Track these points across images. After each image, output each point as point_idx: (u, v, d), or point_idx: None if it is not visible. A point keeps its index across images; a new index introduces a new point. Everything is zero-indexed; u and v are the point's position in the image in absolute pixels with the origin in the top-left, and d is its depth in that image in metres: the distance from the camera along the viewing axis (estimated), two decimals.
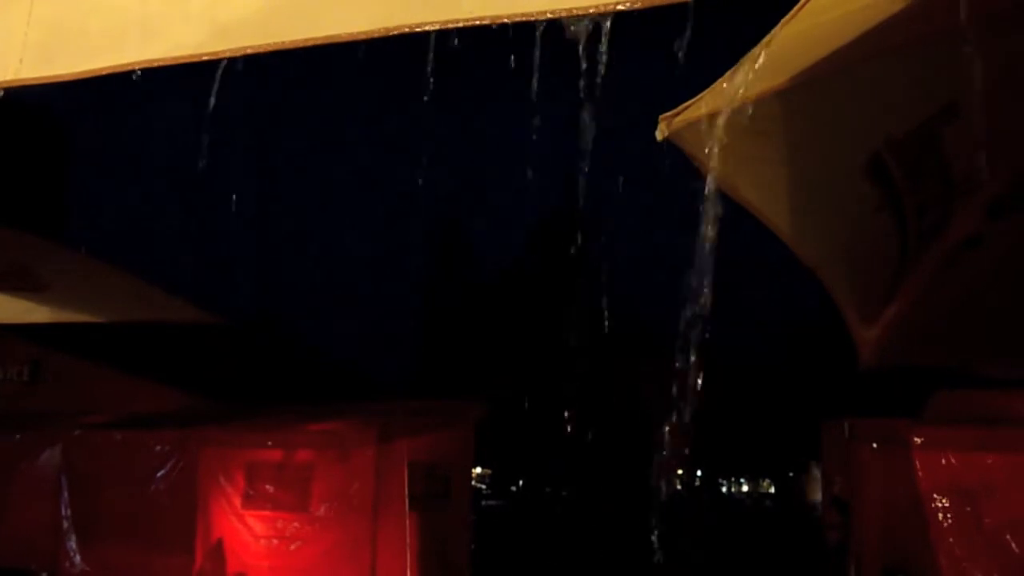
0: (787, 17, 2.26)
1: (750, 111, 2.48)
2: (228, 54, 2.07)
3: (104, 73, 2.14)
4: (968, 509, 7.25)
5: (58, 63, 2.14)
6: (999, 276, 4.00)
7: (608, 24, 1.93)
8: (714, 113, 2.53)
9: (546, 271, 34.15)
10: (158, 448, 11.27)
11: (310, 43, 2.02)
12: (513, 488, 38.24)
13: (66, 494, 11.76)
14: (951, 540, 7.31)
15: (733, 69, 2.45)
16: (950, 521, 7.33)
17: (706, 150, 2.46)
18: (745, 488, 49.87)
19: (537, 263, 35.75)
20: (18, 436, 12.01)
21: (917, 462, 7.59)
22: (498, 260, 40.06)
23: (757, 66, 2.25)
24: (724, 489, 49.28)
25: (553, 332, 30.99)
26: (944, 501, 7.36)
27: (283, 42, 2.03)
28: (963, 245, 3.23)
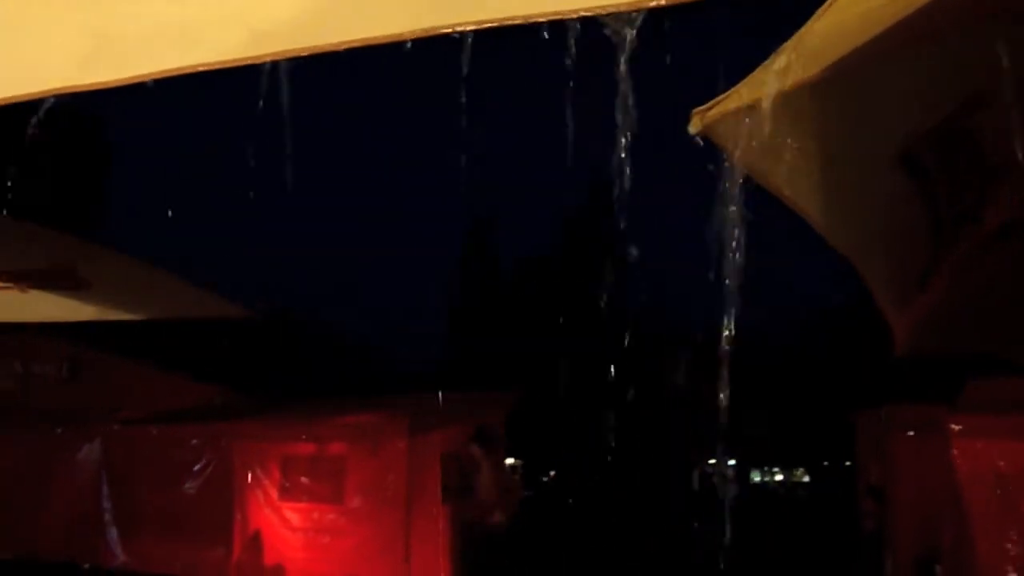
0: (819, 11, 2.27)
1: (783, 103, 2.49)
2: (267, 58, 2.12)
3: (148, 79, 2.20)
4: (1005, 497, 7.19)
5: (103, 70, 2.20)
6: None
7: (640, 19, 1.94)
8: (748, 106, 2.54)
9: (575, 261, 34.10)
10: (194, 442, 11.46)
11: (345, 46, 2.05)
12: (544, 479, 38.32)
13: (106, 488, 12.00)
14: (987, 528, 7.26)
15: (766, 62, 2.46)
16: (987, 509, 7.28)
17: (739, 142, 2.48)
18: (779, 477, 49.53)
19: (567, 253, 35.70)
20: (59, 431, 12.27)
21: (954, 450, 7.54)
22: (527, 250, 39.99)
23: (790, 59, 2.26)
24: (757, 479, 48.99)
25: (583, 323, 30.98)
26: (981, 489, 7.31)
27: (319, 45, 2.07)
28: (998, 232, 3.21)
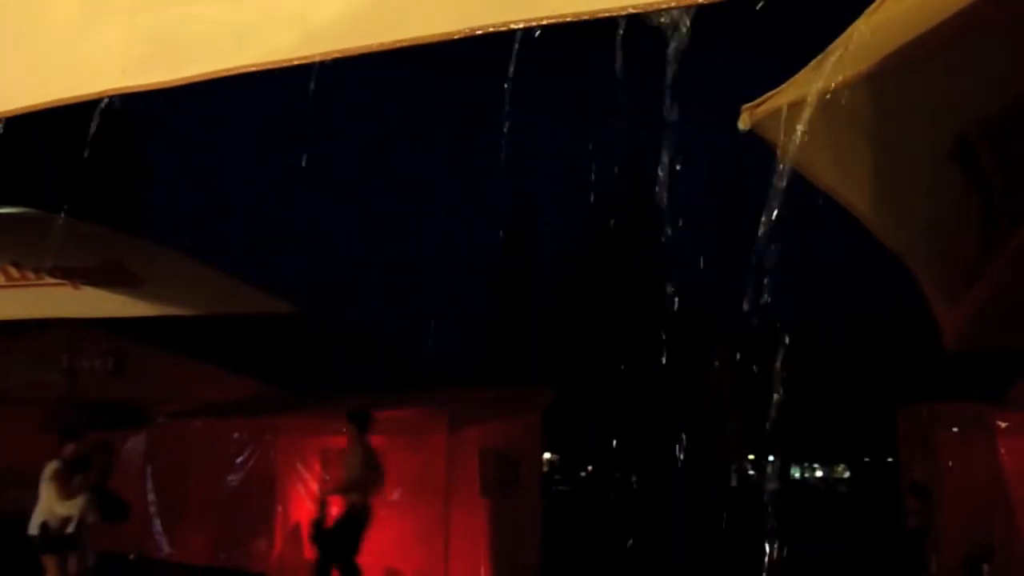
0: (870, 8, 2.24)
1: (834, 98, 2.46)
2: (318, 58, 2.14)
3: (201, 80, 2.23)
4: None
5: (158, 71, 2.23)
6: None
7: (689, 18, 1.93)
8: (798, 101, 2.51)
9: (613, 257, 33.98)
10: (236, 436, 11.65)
11: (396, 45, 2.07)
12: (582, 474, 38.31)
13: (151, 480, 12.26)
14: None
15: (816, 59, 2.44)
16: None
17: (788, 138, 2.45)
18: (819, 473, 48.99)
19: (604, 249, 35.58)
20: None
21: (1001, 448, 7.42)
22: (564, 246, 39.92)
23: (841, 55, 2.24)
24: (797, 475, 48.49)
25: (622, 319, 30.89)
26: None
27: (370, 44, 2.09)
28: None
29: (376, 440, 10.53)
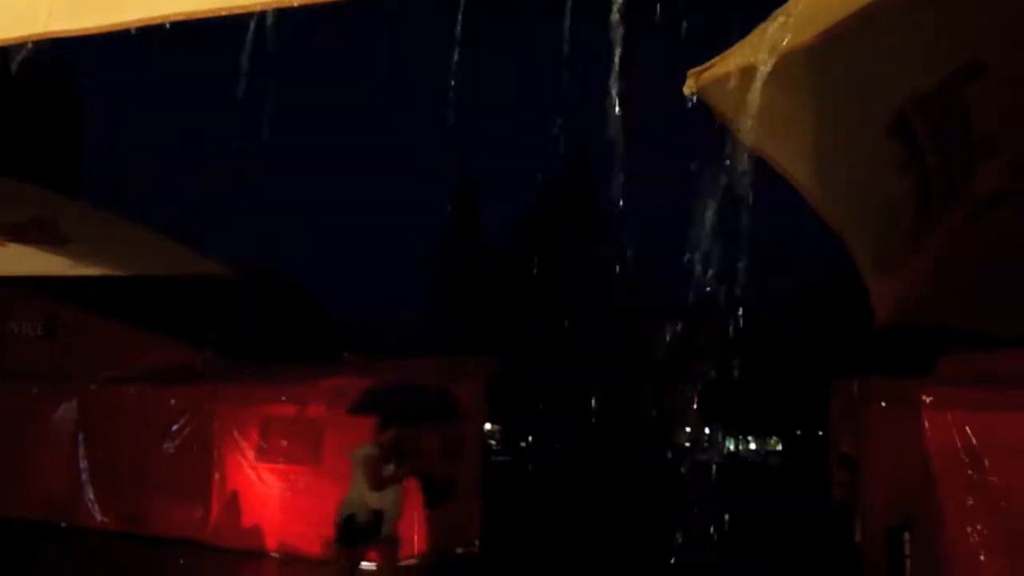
0: None
1: (778, 67, 2.47)
2: (254, 7, 2.08)
3: (131, 27, 2.14)
4: (975, 468, 7.30)
5: (86, 17, 2.14)
6: (1017, 237, 3.99)
7: None
8: (742, 69, 2.51)
9: (557, 230, 34.07)
10: (173, 403, 11.43)
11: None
12: (522, 444, 38.61)
13: (83, 448, 11.97)
14: (957, 498, 7.38)
15: (762, 25, 2.44)
16: (955, 479, 7.39)
17: (733, 107, 2.45)
18: (753, 446, 50.22)
19: (549, 221, 35.63)
20: (35, 391, 12.19)
21: (926, 421, 7.64)
22: (510, 218, 39.91)
23: (786, 22, 2.24)
24: (732, 446, 49.64)
25: (564, 291, 31.05)
26: (951, 460, 7.42)
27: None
28: (984, 204, 3.22)
29: (314, 409, 10.44)
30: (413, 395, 8.65)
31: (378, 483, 7.27)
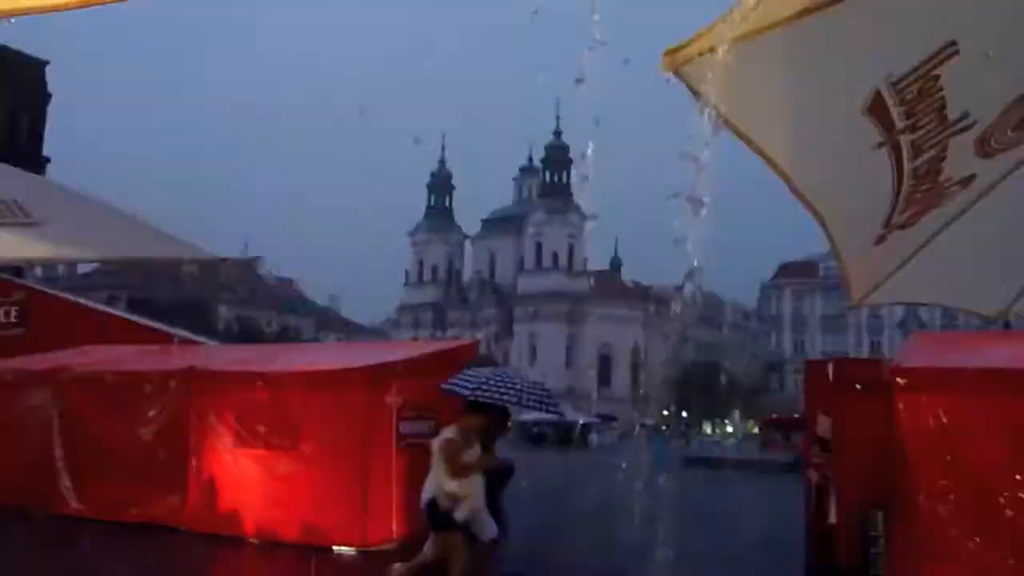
0: None
1: (755, 46, 2.47)
2: None
3: (76, 7, 2.08)
4: (948, 449, 7.40)
5: None
6: (989, 217, 4.05)
7: None
8: (718, 47, 2.51)
9: (532, 210, 34.10)
10: (148, 388, 11.33)
11: None
12: None
13: (58, 434, 11.85)
14: (930, 479, 7.48)
15: (739, 2, 2.44)
16: (928, 460, 7.49)
17: (708, 86, 2.45)
18: (730, 429, 50.69)
19: (523, 204, 35.62)
20: (8, 377, 12.06)
21: (899, 403, 7.73)
22: (485, 202, 39.85)
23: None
24: (709, 430, 50.06)
25: (539, 274, 31.11)
26: (924, 441, 7.51)
27: None
28: (956, 184, 3.26)
29: (293, 395, 10.41)
30: (509, 381, 7.80)
31: (457, 470, 6.86)
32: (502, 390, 7.30)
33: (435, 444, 7.11)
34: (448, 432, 7.11)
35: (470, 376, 7.64)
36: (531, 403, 7.65)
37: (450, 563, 6.95)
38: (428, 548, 7.21)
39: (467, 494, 6.90)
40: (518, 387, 7.46)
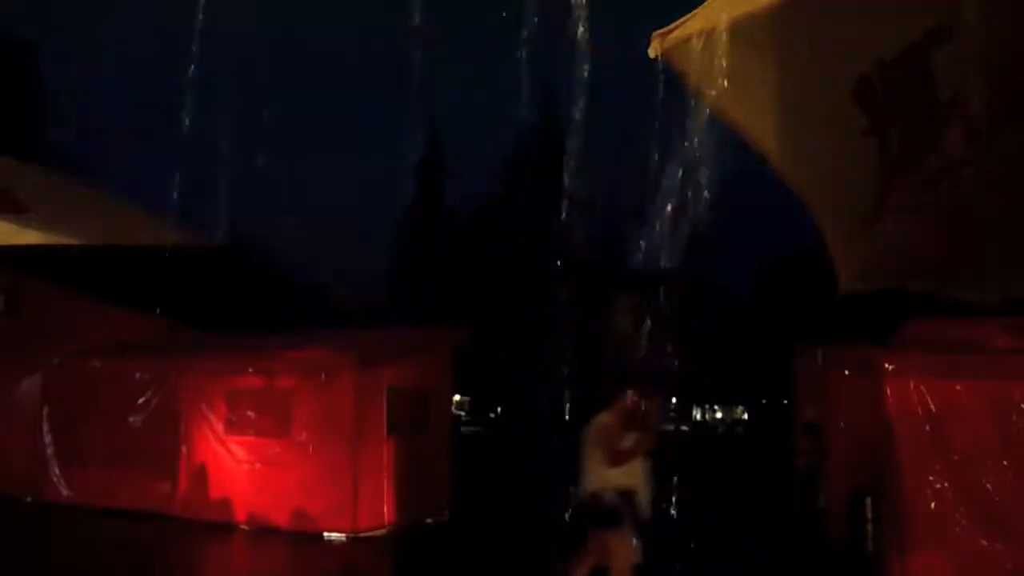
0: None
1: (743, 29, 2.47)
2: None
3: None
4: (934, 434, 7.46)
5: None
6: (976, 202, 4.06)
7: None
8: (707, 31, 2.51)
9: (525, 198, 34.04)
10: (138, 376, 11.30)
11: None
12: (491, 415, 38.79)
13: (47, 422, 11.83)
14: (918, 463, 7.54)
15: None
16: (916, 445, 7.54)
17: (698, 69, 2.45)
18: (719, 415, 50.93)
19: (517, 190, 35.58)
20: None
21: (887, 388, 7.78)
22: (477, 189, 39.73)
23: None
24: (698, 416, 50.24)
25: (532, 261, 31.08)
26: (912, 426, 7.56)
27: None
28: (944, 170, 3.27)
29: (284, 381, 10.40)
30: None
31: (616, 457, 6.09)
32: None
33: (588, 430, 6.31)
34: (602, 416, 6.32)
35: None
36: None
37: (614, 566, 6.12)
38: (589, 549, 6.29)
39: (638, 486, 6.10)
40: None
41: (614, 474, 6.05)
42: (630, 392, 6.32)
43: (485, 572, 8.70)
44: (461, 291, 32.98)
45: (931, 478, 7.42)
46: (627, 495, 6.05)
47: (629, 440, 6.12)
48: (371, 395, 10.24)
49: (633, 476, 6.11)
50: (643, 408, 6.28)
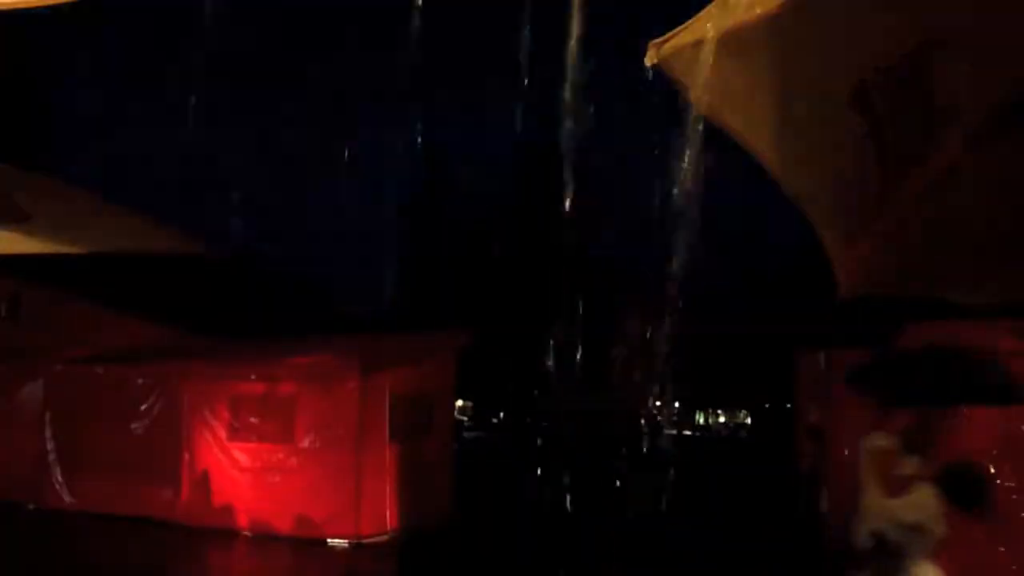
0: None
1: (739, 38, 2.48)
2: None
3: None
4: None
5: None
6: (975, 207, 4.06)
7: None
8: (703, 39, 2.52)
9: (528, 203, 34.02)
10: (140, 382, 11.32)
11: None
12: (494, 420, 38.72)
13: (49, 428, 11.84)
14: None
15: None
16: None
17: (695, 78, 2.46)
18: (722, 419, 50.86)
19: (520, 195, 35.56)
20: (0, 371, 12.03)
21: None
22: (481, 192, 39.66)
23: None
24: (701, 420, 50.18)
25: (534, 265, 31.06)
26: None
27: None
28: (943, 175, 3.27)
29: (286, 387, 10.41)
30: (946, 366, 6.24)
31: (895, 485, 5.15)
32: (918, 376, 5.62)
33: (862, 456, 5.42)
34: (877, 439, 5.37)
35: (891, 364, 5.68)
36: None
37: None
38: None
39: (926, 518, 5.00)
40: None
41: (895, 505, 5.12)
42: (906, 411, 5.42)
43: None
44: (464, 296, 32.95)
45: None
46: (914, 530, 5.05)
47: (910, 465, 5.20)
48: (373, 401, 10.25)
49: (920, 509, 5.08)
50: (927, 427, 5.36)
